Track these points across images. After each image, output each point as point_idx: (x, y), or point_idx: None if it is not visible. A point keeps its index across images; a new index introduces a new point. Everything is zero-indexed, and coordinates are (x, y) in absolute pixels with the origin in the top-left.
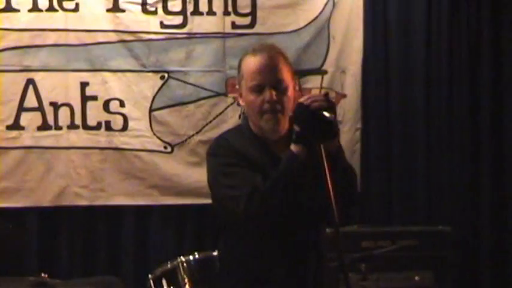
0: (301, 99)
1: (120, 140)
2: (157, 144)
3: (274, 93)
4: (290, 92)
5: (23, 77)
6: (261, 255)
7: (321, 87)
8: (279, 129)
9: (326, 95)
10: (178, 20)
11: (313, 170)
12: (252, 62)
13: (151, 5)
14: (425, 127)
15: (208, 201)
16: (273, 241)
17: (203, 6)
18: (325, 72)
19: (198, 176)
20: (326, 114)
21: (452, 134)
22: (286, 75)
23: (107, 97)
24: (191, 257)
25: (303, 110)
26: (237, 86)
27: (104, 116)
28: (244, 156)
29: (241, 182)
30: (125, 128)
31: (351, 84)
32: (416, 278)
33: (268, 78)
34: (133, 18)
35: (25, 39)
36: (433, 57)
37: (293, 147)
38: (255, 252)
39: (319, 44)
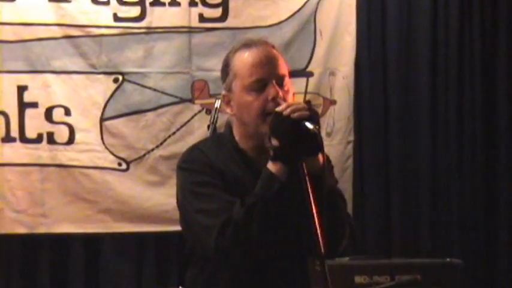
0: (279, 108)
1: (66, 155)
2: (110, 160)
3: (279, 89)
4: (291, 89)
5: None
6: None
7: (306, 92)
8: None
9: (308, 102)
10: (135, 11)
11: (295, 192)
12: (247, 56)
13: None
14: (430, 140)
15: (171, 228)
16: (253, 278)
17: None
18: (311, 73)
19: (159, 198)
20: (309, 125)
21: (463, 150)
22: (286, 71)
23: (50, 104)
24: None
25: (282, 120)
26: (223, 92)
27: (46, 127)
28: (222, 173)
29: (215, 207)
30: (71, 141)
31: (342, 88)
32: None
33: (271, 71)
34: (81, 10)
35: None
36: (440, 56)
37: (271, 165)
38: None
39: (304, 41)
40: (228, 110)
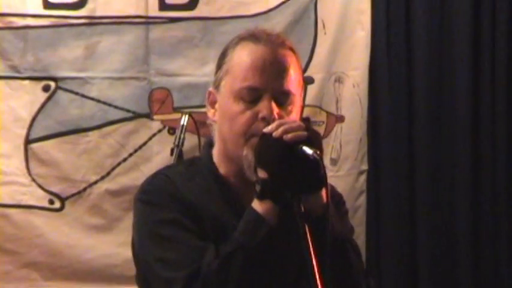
0: (267, 129)
1: None
2: (38, 197)
3: (275, 107)
4: (296, 111)
5: None
6: None
7: (303, 106)
8: None
9: (306, 120)
10: None
11: (288, 240)
12: (249, 52)
13: None
14: (471, 172)
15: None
16: None
17: None
18: (311, 80)
19: (105, 247)
20: (307, 150)
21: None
22: (296, 87)
23: None
24: None
25: (271, 145)
26: (210, 89)
27: None
28: (194, 209)
29: (180, 256)
30: None
31: (352, 99)
32: None
33: (272, 82)
34: None
35: None
36: (484, 55)
37: (257, 204)
38: None
39: (301, 36)
40: (210, 114)
